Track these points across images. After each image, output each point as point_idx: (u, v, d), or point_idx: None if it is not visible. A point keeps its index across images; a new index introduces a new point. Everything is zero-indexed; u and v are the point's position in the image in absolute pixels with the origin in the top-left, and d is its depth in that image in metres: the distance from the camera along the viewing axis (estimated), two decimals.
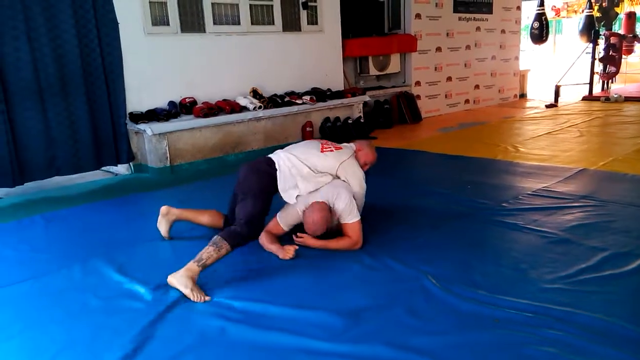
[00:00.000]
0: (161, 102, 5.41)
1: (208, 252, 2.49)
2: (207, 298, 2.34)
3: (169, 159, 5.18)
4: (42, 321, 2.23)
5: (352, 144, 3.26)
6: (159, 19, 5.32)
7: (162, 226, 3.15)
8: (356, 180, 3.01)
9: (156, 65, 5.32)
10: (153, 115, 5.19)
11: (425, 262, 2.62)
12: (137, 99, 5.21)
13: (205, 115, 5.40)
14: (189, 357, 1.91)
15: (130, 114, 5.12)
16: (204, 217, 3.19)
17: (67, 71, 4.60)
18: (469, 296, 2.25)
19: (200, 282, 2.43)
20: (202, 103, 5.57)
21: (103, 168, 5.22)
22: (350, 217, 2.82)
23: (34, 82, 4.38)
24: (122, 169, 5.34)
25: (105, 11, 4.75)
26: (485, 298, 2.23)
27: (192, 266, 2.44)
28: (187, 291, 2.33)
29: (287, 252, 2.77)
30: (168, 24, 5.38)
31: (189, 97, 5.56)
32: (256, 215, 2.77)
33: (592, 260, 2.57)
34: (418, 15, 8.15)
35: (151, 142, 5.09)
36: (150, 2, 5.21)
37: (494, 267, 2.49)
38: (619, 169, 4.45)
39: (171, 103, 5.46)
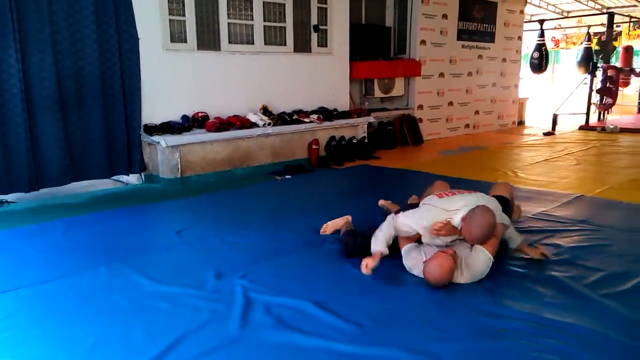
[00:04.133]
0: (175, 116, 5.59)
1: None
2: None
3: (180, 170, 5.33)
4: (75, 317, 2.35)
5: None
6: (177, 35, 5.53)
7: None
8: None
9: (172, 80, 5.51)
10: (167, 128, 5.36)
11: None
12: (152, 111, 5.38)
13: (217, 130, 5.57)
14: (218, 355, 2.04)
15: (145, 125, 5.29)
16: None
17: (87, 83, 4.78)
18: (477, 308, 2.41)
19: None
20: (214, 118, 5.75)
21: (113, 177, 5.36)
22: None
23: (56, 93, 4.55)
24: (132, 179, 5.48)
25: (127, 27, 4.95)
26: (492, 309, 2.39)
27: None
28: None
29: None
30: (186, 41, 5.59)
31: (202, 112, 5.74)
32: None
33: (590, 280, 2.73)
34: (423, 42, 8.42)
35: (164, 153, 5.25)
36: (170, 19, 5.42)
37: (497, 282, 2.65)
38: (614, 196, 4.64)
39: (184, 117, 5.64)
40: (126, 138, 5.13)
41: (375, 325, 2.25)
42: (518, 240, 3.00)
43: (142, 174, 5.41)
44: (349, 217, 3.53)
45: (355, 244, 3.06)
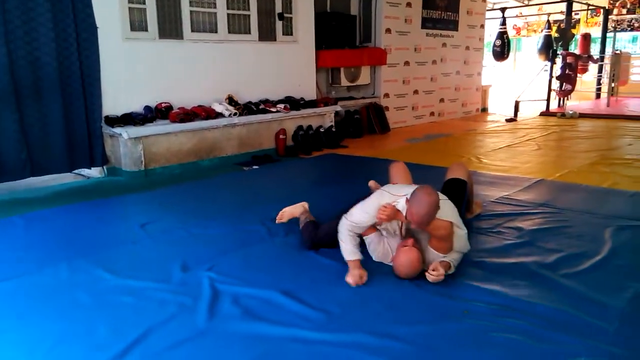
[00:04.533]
0: (137, 107, 5.46)
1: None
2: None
3: (143, 162, 5.23)
4: (35, 317, 2.28)
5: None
6: (138, 24, 5.39)
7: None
8: None
9: (133, 70, 5.38)
10: (129, 119, 5.24)
11: None
12: (113, 102, 5.25)
13: (182, 121, 5.48)
14: (185, 348, 2.02)
15: (106, 117, 5.16)
16: None
17: (43, 74, 4.62)
18: (440, 291, 2.45)
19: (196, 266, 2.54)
20: (178, 108, 5.65)
21: (75, 171, 5.22)
22: None
23: (10, 85, 4.38)
24: (94, 172, 5.35)
25: (84, 15, 4.80)
26: (455, 292, 2.44)
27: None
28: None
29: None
30: (146, 30, 5.46)
31: (165, 102, 5.63)
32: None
33: (549, 260, 2.81)
34: (388, 30, 8.45)
35: (126, 145, 5.14)
36: (129, 7, 5.28)
37: (460, 266, 2.69)
38: (574, 180, 4.79)
39: (147, 107, 5.52)
40: (87, 130, 4.99)
41: (342, 312, 2.27)
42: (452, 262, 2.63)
43: (104, 167, 5.29)
44: (306, 204, 3.46)
45: (317, 236, 3.05)
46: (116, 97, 5.27)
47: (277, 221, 3.43)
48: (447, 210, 2.60)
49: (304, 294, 2.44)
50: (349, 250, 2.66)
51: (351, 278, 2.57)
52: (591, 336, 2.03)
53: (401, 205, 2.56)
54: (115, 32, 5.18)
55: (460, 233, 2.65)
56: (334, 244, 2.82)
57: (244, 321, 2.21)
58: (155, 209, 4.04)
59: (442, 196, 2.65)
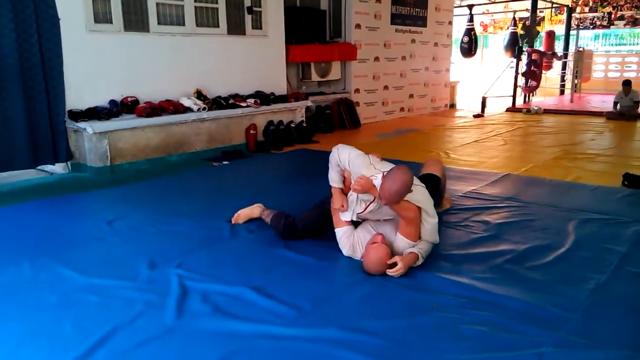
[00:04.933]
0: (102, 101, 5.33)
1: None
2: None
3: (109, 158, 5.11)
4: None
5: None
6: (102, 16, 5.25)
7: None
8: None
9: (98, 64, 5.24)
10: (94, 114, 5.11)
11: None
12: (77, 96, 5.11)
13: (148, 115, 5.37)
14: (153, 346, 1.99)
15: (70, 111, 5.01)
16: None
17: (3, 66, 4.45)
18: (410, 285, 2.48)
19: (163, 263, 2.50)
20: (145, 102, 5.54)
21: (38, 167, 5.06)
22: None
23: None
24: (58, 168, 5.19)
25: (46, 7, 4.63)
26: (425, 285, 2.47)
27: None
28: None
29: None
30: (111, 22, 5.32)
31: (131, 96, 5.51)
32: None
33: (515, 253, 2.88)
34: (358, 26, 8.47)
35: (91, 140, 5.01)
36: None
37: (428, 260, 2.72)
38: (538, 174, 4.91)
39: (112, 102, 5.39)
40: (49, 125, 4.83)
41: (314, 307, 2.27)
42: (421, 252, 2.66)
43: (68, 162, 5.14)
44: (261, 205, 3.45)
45: (296, 228, 3.06)
46: (80, 91, 5.13)
47: (232, 222, 3.40)
48: (419, 196, 2.63)
49: (275, 289, 2.42)
50: (332, 177, 2.88)
51: (335, 204, 2.83)
52: (555, 327, 2.09)
53: (378, 181, 2.59)
54: (78, 24, 5.04)
55: (430, 221, 2.66)
56: (314, 234, 2.98)
57: (214, 318, 2.18)
58: (122, 205, 3.95)
59: (418, 182, 2.71)
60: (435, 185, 3.29)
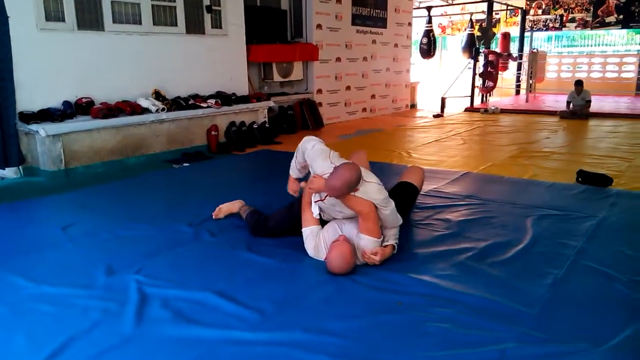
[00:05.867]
0: (55, 102, 5.14)
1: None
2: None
3: (63, 161, 4.94)
4: None
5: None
6: (54, 14, 5.06)
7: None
8: None
9: (50, 63, 5.06)
10: (46, 115, 4.92)
11: None
12: (29, 98, 4.91)
13: (104, 116, 5.22)
14: (111, 357, 1.91)
15: (21, 113, 4.82)
16: None
17: None
18: (374, 284, 2.48)
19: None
20: (101, 103, 5.38)
21: None
22: None
23: None
24: (9, 173, 4.97)
25: None
26: (389, 285, 2.47)
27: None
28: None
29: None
30: (64, 20, 5.14)
31: (86, 97, 5.34)
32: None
33: (476, 250, 2.92)
34: (319, 26, 8.48)
35: (44, 143, 4.82)
36: None
37: (390, 259, 2.73)
38: (496, 172, 5.02)
39: (66, 103, 5.21)
40: None
41: (277, 310, 2.24)
42: (388, 242, 2.72)
43: (20, 167, 4.93)
44: (242, 201, 3.50)
45: (267, 226, 3.10)
46: (32, 92, 4.94)
47: (213, 217, 3.46)
48: (373, 194, 2.63)
49: (238, 293, 2.38)
50: (291, 166, 3.09)
51: (290, 189, 3.11)
52: (516, 322, 2.12)
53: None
54: (28, 22, 4.84)
55: (386, 211, 2.66)
56: (283, 234, 3.07)
57: (175, 325, 2.12)
58: (78, 210, 3.81)
59: (371, 179, 2.69)
60: (411, 196, 3.35)
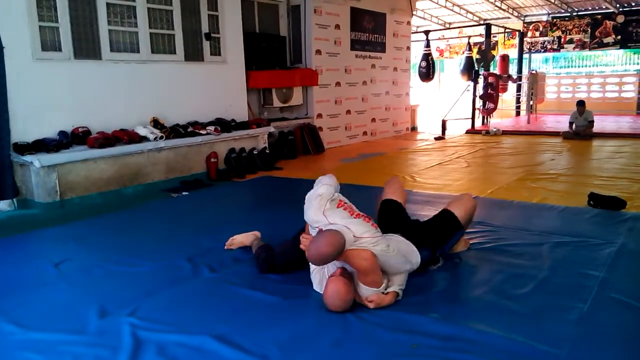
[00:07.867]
0: (51, 132, 5.03)
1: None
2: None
3: (58, 192, 4.80)
4: None
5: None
6: (50, 44, 4.99)
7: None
8: None
9: (46, 93, 4.96)
10: (41, 146, 4.81)
11: None
12: (24, 128, 4.81)
13: (101, 146, 5.10)
14: None
15: (15, 144, 4.70)
16: None
17: None
18: (383, 323, 2.30)
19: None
20: (98, 133, 5.27)
21: None
22: None
23: None
24: (3, 205, 4.83)
25: None
26: (400, 324, 2.29)
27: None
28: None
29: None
30: (60, 50, 5.06)
31: (83, 127, 5.22)
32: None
33: (493, 282, 2.75)
34: (318, 51, 8.44)
35: (39, 175, 4.69)
36: (40, 26, 4.87)
37: (404, 294, 2.57)
38: (505, 196, 4.86)
39: (62, 133, 5.10)
40: None
41: (283, 356, 2.06)
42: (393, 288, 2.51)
43: (14, 199, 4.79)
44: (258, 233, 3.33)
45: (273, 261, 2.92)
46: (27, 123, 4.83)
47: (225, 247, 3.32)
48: (369, 247, 2.39)
49: (240, 337, 2.19)
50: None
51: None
52: None
53: (313, 233, 2.53)
54: (24, 52, 4.76)
55: (388, 259, 2.44)
56: (288, 269, 2.87)
57: None
58: (72, 244, 3.65)
59: (364, 234, 2.43)
60: (448, 229, 2.99)
